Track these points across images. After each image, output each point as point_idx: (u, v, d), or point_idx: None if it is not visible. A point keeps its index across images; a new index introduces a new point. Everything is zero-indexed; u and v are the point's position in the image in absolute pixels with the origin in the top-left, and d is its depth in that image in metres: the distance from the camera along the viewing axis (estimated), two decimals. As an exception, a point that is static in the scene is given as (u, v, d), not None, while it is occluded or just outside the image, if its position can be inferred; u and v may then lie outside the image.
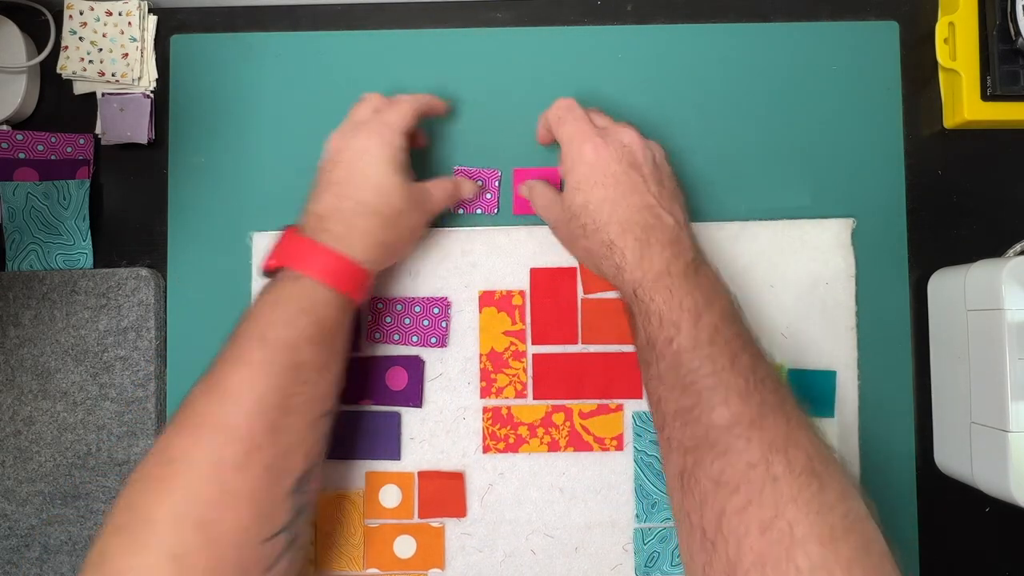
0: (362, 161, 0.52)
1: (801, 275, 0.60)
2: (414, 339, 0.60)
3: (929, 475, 0.60)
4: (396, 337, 0.60)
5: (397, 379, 0.60)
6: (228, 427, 0.46)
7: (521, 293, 0.60)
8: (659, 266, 0.50)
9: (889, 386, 0.60)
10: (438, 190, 0.57)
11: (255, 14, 0.63)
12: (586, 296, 0.60)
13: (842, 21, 0.62)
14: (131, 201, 0.63)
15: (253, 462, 0.46)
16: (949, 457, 0.58)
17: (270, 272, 0.52)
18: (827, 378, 0.59)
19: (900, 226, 0.61)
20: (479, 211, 0.61)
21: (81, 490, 0.59)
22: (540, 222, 0.60)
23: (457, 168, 0.61)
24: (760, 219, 0.61)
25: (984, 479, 0.53)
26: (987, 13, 0.59)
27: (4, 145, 0.61)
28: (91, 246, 0.61)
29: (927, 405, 0.60)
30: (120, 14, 0.61)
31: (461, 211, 0.61)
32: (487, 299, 0.60)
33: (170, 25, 0.63)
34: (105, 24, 0.61)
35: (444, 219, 0.60)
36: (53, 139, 0.62)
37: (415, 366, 0.60)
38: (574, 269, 0.60)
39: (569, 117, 0.54)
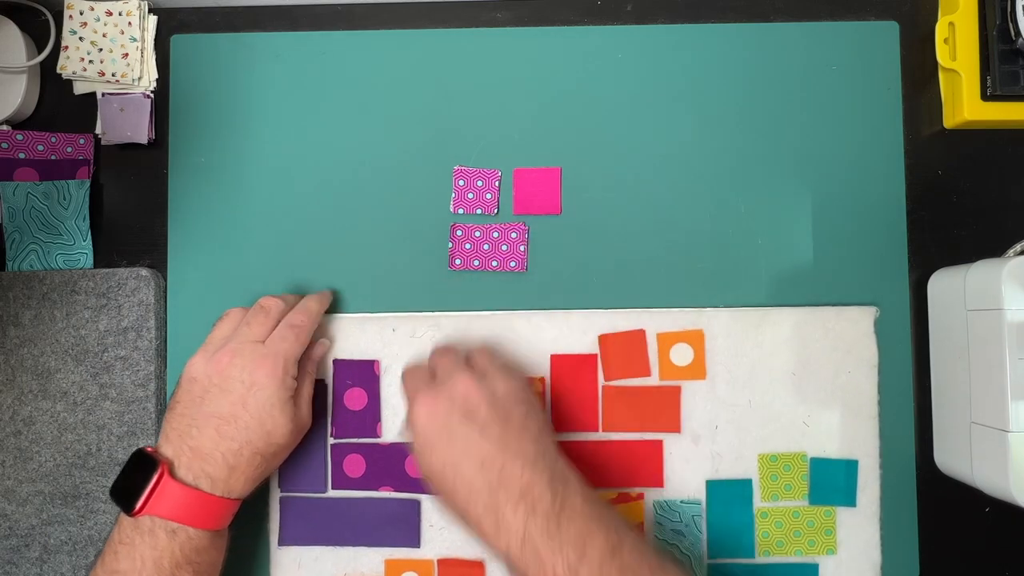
0: (256, 400, 0.50)
1: (823, 363, 0.60)
2: None
3: (929, 475, 0.60)
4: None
5: None
6: None
7: (541, 380, 0.60)
8: (517, 529, 0.45)
9: (891, 393, 0.60)
10: (305, 404, 0.55)
11: (255, 14, 0.63)
12: (607, 383, 0.60)
13: (842, 21, 0.62)
14: (131, 201, 0.63)
15: None
16: (949, 457, 0.58)
17: (133, 515, 0.48)
18: (849, 467, 0.59)
19: (900, 226, 0.61)
20: (479, 211, 0.61)
21: (81, 490, 0.59)
22: (560, 300, 0.60)
23: (457, 168, 0.61)
24: (782, 305, 0.60)
25: (984, 479, 0.53)
26: (987, 13, 0.59)
27: (4, 145, 0.61)
28: (91, 246, 0.61)
29: (927, 405, 0.60)
30: (120, 14, 0.61)
31: (461, 211, 0.61)
32: None
33: (170, 25, 0.63)
34: (105, 24, 0.61)
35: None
36: (53, 139, 0.62)
37: None
38: (594, 356, 0.60)
39: (409, 374, 0.54)
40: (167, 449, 0.50)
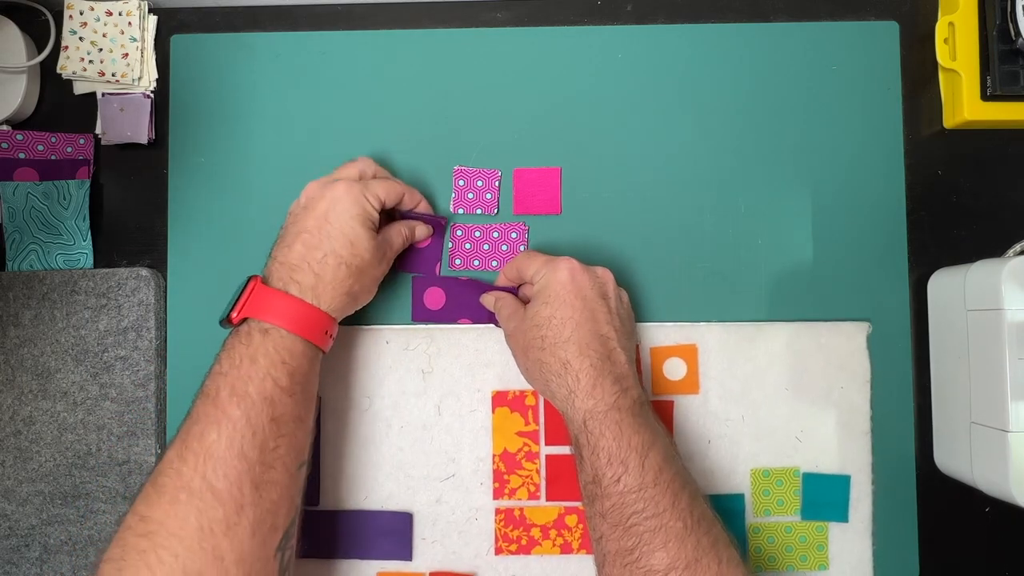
0: (334, 211, 0.53)
1: (817, 379, 0.60)
2: None
3: (929, 475, 0.60)
4: None
5: None
6: (212, 490, 0.45)
7: (535, 393, 0.60)
8: (609, 399, 0.50)
9: (890, 392, 0.60)
10: (397, 236, 0.57)
11: (255, 14, 0.63)
12: None
13: (842, 21, 0.62)
14: (131, 201, 0.63)
15: (240, 524, 0.45)
16: (949, 457, 0.58)
17: (232, 324, 0.51)
18: (841, 483, 0.59)
19: (900, 226, 0.61)
20: (479, 211, 0.61)
21: (81, 490, 0.59)
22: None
23: (457, 168, 0.61)
24: (777, 320, 0.60)
25: (984, 479, 0.53)
26: (987, 13, 0.59)
27: (4, 145, 0.61)
28: (91, 246, 0.61)
29: (927, 405, 0.60)
30: (120, 14, 0.61)
31: (461, 210, 0.61)
32: (500, 399, 0.60)
33: (170, 25, 0.63)
34: (105, 24, 0.61)
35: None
36: (53, 139, 0.62)
37: None
38: None
39: (544, 255, 0.56)
40: (265, 271, 0.53)
